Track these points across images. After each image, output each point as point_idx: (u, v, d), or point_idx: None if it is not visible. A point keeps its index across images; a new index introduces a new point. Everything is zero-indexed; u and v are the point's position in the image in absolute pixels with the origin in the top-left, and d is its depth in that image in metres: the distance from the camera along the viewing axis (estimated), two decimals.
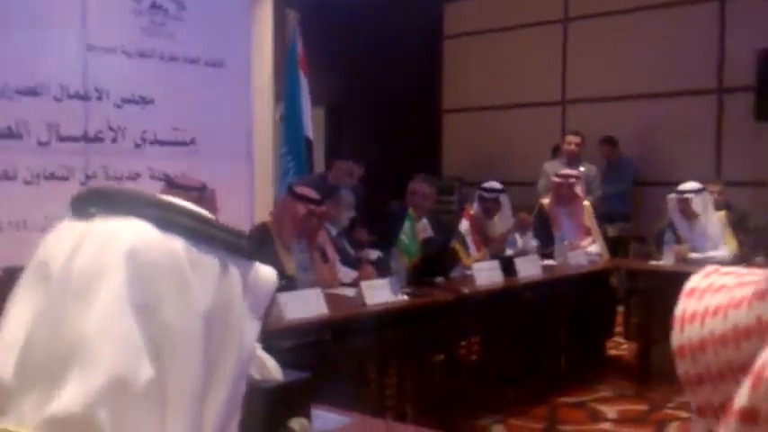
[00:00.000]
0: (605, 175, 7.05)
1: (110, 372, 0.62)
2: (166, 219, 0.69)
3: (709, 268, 0.69)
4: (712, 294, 0.65)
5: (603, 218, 6.08)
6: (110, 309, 0.64)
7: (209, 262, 0.69)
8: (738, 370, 0.59)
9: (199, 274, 0.68)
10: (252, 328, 0.75)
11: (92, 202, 0.70)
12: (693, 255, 4.95)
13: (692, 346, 0.64)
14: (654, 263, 5.02)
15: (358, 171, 5.49)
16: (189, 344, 0.67)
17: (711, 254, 4.94)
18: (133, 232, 0.67)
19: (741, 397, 0.57)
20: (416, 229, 3.73)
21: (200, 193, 3.50)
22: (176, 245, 0.68)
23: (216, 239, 0.70)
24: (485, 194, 5.10)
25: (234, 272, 0.72)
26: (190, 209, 0.72)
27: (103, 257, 0.66)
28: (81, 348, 0.63)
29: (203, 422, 0.68)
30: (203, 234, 0.70)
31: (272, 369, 1.70)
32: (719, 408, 0.61)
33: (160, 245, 0.67)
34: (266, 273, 0.76)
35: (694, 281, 0.68)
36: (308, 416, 1.76)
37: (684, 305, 0.67)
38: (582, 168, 6.41)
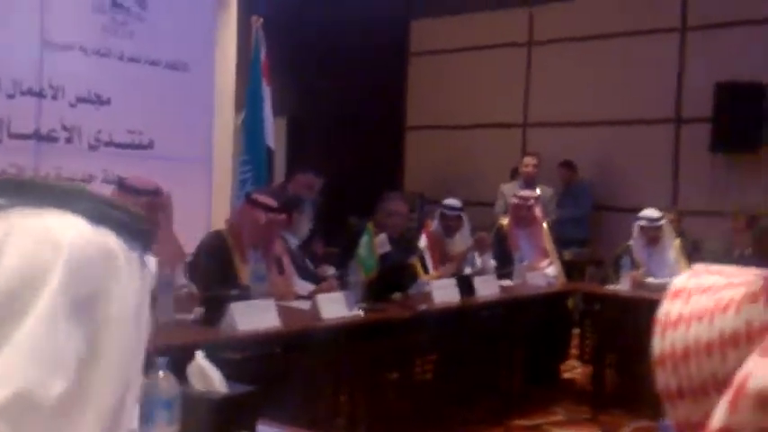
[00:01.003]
0: (561, 199, 7.09)
1: (17, 386, 0.59)
2: (99, 212, 0.66)
3: (698, 267, 0.63)
4: (699, 296, 0.59)
5: (558, 242, 6.11)
6: (42, 320, 0.61)
7: (133, 256, 0.69)
8: (722, 383, 0.53)
9: (130, 268, 0.68)
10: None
11: (7, 193, 0.66)
12: (650, 279, 4.98)
13: (674, 355, 0.58)
14: (611, 287, 5.03)
15: (317, 184, 5.42)
16: (126, 339, 0.66)
17: (667, 280, 4.97)
18: (70, 227, 0.64)
19: (719, 415, 0.51)
20: (374, 244, 3.67)
21: (154, 197, 3.38)
22: (110, 240, 0.66)
23: (139, 234, 0.70)
24: (446, 212, 5.08)
25: (146, 264, 0.72)
26: (120, 203, 0.70)
27: (39, 257, 0.62)
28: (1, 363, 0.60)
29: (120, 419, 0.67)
30: (130, 228, 0.69)
31: (216, 380, 1.64)
32: (698, 425, 0.56)
33: (98, 240, 0.65)
34: (151, 266, 0.75)
35: (681, 280, 0.62)
36: (253, 430, 1.69)
37: (668, 307, 0.60)
38: (538, 190, 6.44)
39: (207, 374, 1.59)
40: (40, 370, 0.60)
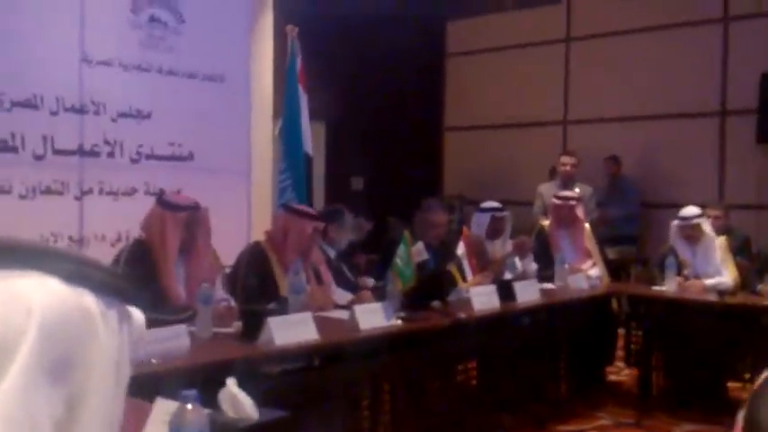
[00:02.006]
0: (607, 194, 6.98)
1: None
2: (74, 272, 0.64)
3: None
4: None
5: (609, 240, 6.00)
6: (16, 387, 0.59)
7: (112, 314, 0.67)
8: None
9: (107, 327, 0.66)
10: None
11: None
12: (702, 280, 4.87)
13: None
14: (656, 288, 4.93)
15: (366, 226, 5.42)
16: (104, 402, 0.65)
17: (716, 279, 4.87)
18: (43, 289, 0.62)
19: None
20: (411, 254, 3.66)
21: (193, 213, 3.42)
22: (87, 300, 0.64)
23: (116, 290, 0.68)
24: (497, 214, 5.00)
25: (126, 322, 0.70)
26: (93, 260, 0.68)
27: (10, 322, 0.60)
28: None
29: None
30: (108, 286, 0.67)
31: (247, 407, 1.64)
32: None
33: (73, 301, 0.63)
34: (138, 315, 0.74)
35: None
36: None
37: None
38: (576, 189, 6.35)
39: (238, 401, 1.59)
40: None
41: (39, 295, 0.61)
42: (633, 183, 7.22)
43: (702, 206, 5.14)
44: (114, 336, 0.67)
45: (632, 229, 7.01)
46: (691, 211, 4.96)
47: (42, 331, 0.60)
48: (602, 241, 5.79)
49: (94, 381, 0.64)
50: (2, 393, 0.58)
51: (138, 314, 0.73)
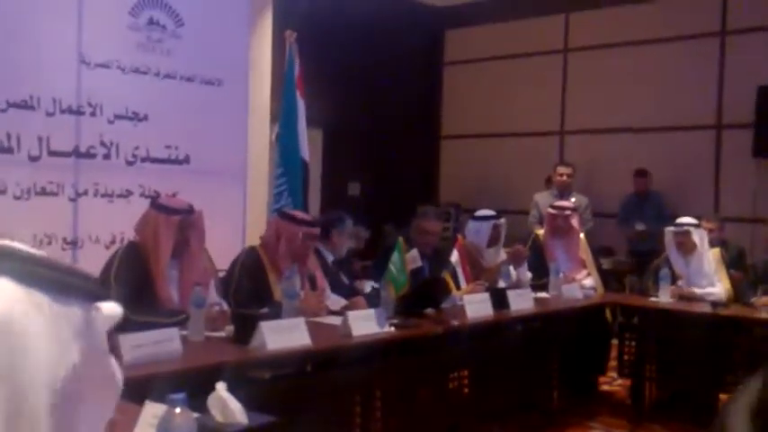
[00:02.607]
0: (634, 209, 6.92)
1: None
2: (26, 272, 0.62)
3: None
4: None
5: (635, 253, 5.88)
6: None
7: (71, 313, 0.64)
8: None
9: (63, 328, 0.63)
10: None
11: None
12: (694, 289, 4.88)
13: None
14: (651, 299, 4.93)
15: (364, 235, 5.42)
16: (55, 407, 0.61)
17: (708, 290, 4.88)
18: None
19: None
20: (406, 261, 3.65)
21: (187, 216, 3.42)
22: (38, 300, 0.62)
23: (74, 289, 0.65)
24: (498, 222, 4.99)
25: (94, 320, 0.67)
26: (48, 259, 0.65)
27: None
28: None
29: None
30: (64, 285, 0.64)
31: (236, 411, 1.63)
32: None
33: (22, 302, 0.61)
34: (110, 308, 0.70)
35: None
36: None
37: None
38: (572, 199, 6.35)
39: (227, 405, 1.59)
40: None
41: None
42: (660, 195, 7.11)
43: (698, 218, 5.16)
44: (74, 339, 0.64)
45: (657, 244, 6.98)
46: (685, 219, 5.00)
47: None
48: (599, 252, 5.80)
49: (46, 390, 0.60)
50: None
51: (109, 307, 0.70)
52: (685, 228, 4.92)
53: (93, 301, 0.67)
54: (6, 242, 0.65)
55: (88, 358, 0.65)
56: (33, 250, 0.66)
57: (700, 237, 4.96)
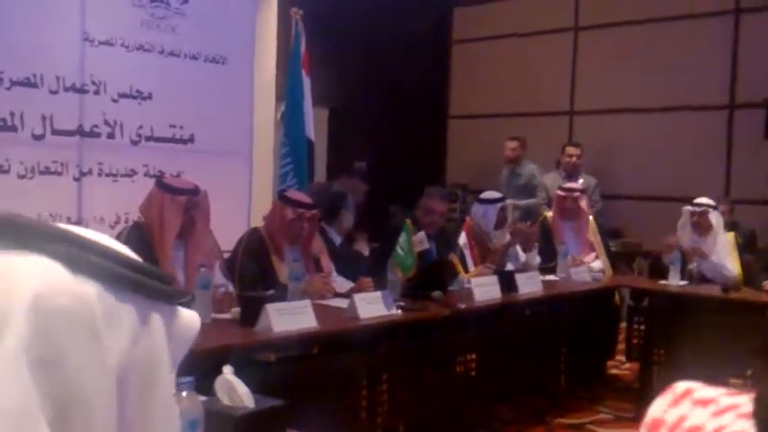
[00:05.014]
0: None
1: None
2: (79, 258, 0.57)
3: (679, 388, 0.52)
4: None
5: None
6: (3, 377, 0.53)
7: (125, 310, 0.59)
8: None
9: (114, 324, 0.58)
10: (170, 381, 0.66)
11: None
12: (708, 263, 4.82)
13: None
14: (661, 282, 4.88)
15: (363, 187, 5.35)
16: (96, 404, 0.57)
17: (723, 272, 4.83)
18: (39, 273, 0.55)
19: None
20: (413, 243, 3.60)
21: (192, 196, 3.37)
22: (89, 290, 0.57)
23: (137, 285, 0.60)
24: (505, 204, 4.94)
25: (157, 321, 0.62)
26: (109, 247, 0.60)
27: (1, 304, 0.54)
28: None
29: None
30: (120, 278, 0.59)
31: (243, 395, 1.60)
32: None
33: (70, 290, 0.56)
34: (189, 318, 0.66)
35: (659, 408, 0.52)
36: None
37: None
38: (581, 180, 6.30)
39: (234, 389, 1.55)
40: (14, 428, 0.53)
41: (37, 279, 0.55)
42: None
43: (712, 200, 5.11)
44: (125, 337, 0.60)
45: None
46: (704, 199, 4.94)
47: (31, 321, 0.54)
48: (607, 234, 5.75)
49: (88, 385, 0.56)
50: None
51: (189, 315, 0.66)
52: (704, 207, 4.87)
53: (156, 301, 0.63)
54: (62, 225, 0.60)
55: (134, 365, 0.60)
56: (99, 237, 0.61)
57: (716, 218, 4.91)
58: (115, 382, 0.58)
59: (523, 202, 6.63)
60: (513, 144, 7.16)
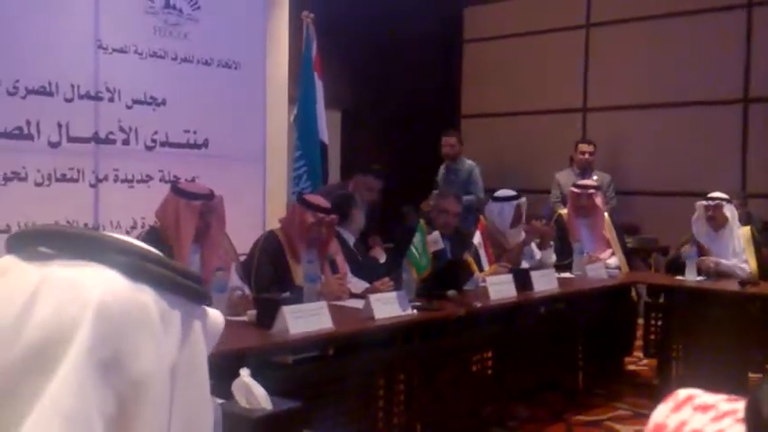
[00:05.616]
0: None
1: None
2: (136, 267, 0.64)
3: (681, 395, 0.54)
4: None
5: None
6: (68, 381, 0.58)
7: (175, 313, 0.66)
8: None
9: (167, 326, 0.65)
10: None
11: (47, 243, 0.64)
12: (723, 261, 4.80)
13: None
14: (677, 278, 4.86)
15: (377, 186, 5.36)
16: (156, 401, 0.63)
17: (735, 261, 4.81)
18: (102, 282, 0.62)
19: None
20: (427, 243, 3.61)
21: (207, 201, 3.40)
22: (146, 296, 0.64)
23: (181, 288, 0.67)
24: (520, 202, 4.93)
25: (197, 322, 0.69)
26: (159, 256, 0.67)
27: (67, 311, 0.60)
28: (32, 427, 0.57)
29: None
30: (171, 283, 0.66)
31: (260, 397, 1.61)
32: None
33: (131, 296, 0.63)
34: (216, 317, 0.73)
35: (661, 414, 0.55)
36: None
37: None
38: (594, 177, 6.28)
39: (251, 391, 1.57)
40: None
41: (97, 289, 0.61)
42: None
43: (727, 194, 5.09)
44: (175, 338, 0.65)
45: None
46: (718, 194, 4.92)
47: (96, 325, 0.59)
48: (623, 230, 5.72)
49: (144, 383, 0.61)
50: (54, 387, 0.57)
51: (215, 314, 0.72)
52: (717, 201, 4.85)
53: (195, 302, 0.68)
54: (118, 236, 0.66)
55: (181, 364, 0.66)
56: (147, 246, 0.67)
57: (731, 212, 4.88)
58: (169, 379, 0.64)
59: (464, 199, 6.51)
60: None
